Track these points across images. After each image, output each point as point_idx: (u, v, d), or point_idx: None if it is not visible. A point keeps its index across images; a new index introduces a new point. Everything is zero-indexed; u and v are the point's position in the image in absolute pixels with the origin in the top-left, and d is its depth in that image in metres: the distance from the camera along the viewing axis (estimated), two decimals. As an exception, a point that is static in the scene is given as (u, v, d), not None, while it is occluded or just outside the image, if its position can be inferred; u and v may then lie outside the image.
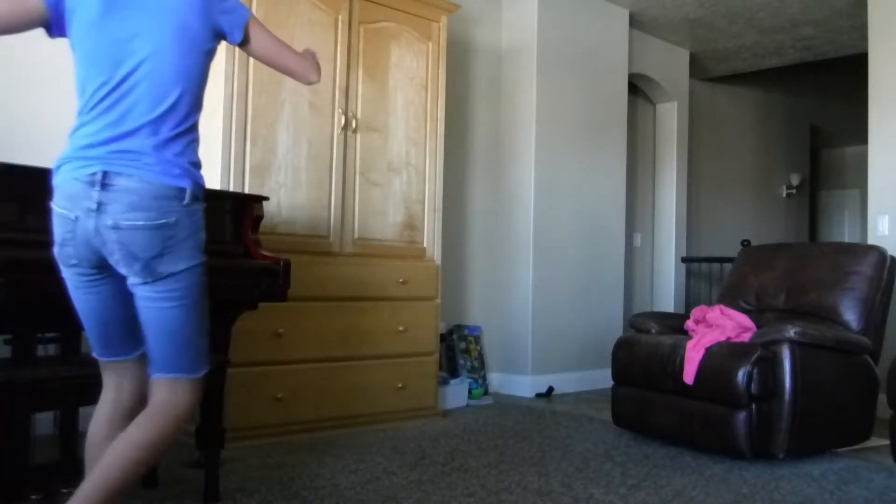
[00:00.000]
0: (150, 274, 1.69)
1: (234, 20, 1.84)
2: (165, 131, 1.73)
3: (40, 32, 3.33)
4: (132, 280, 1.71)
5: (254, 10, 3.35)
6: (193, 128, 1.83)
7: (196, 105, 1.83)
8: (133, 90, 1.71)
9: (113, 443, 1.72)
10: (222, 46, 3.36)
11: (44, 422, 2.49)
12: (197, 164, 1.81)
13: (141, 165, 1.67)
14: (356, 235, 3.73)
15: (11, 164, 2.28)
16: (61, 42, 3.65)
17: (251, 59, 3.32)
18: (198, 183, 1.77)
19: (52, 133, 3.40)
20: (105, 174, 1.64)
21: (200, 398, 1.86)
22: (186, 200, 1.71)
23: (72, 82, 3.54)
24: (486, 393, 4.75)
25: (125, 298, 1.75)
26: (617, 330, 5.30)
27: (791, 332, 3.18)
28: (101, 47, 1.75)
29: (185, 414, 1.80)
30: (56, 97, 3.43)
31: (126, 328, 1.81)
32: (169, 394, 1.77)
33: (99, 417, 1.86)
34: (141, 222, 1.65)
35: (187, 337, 1.77)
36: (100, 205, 1.64)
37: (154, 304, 1.72)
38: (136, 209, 1.64)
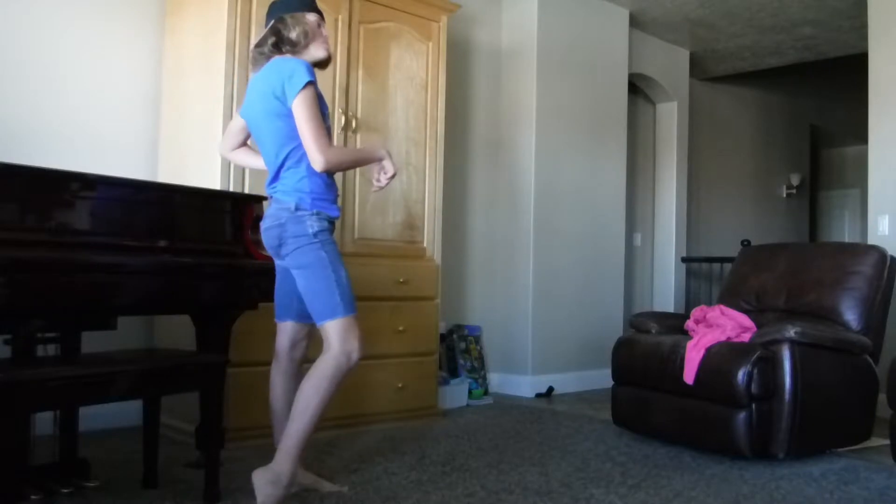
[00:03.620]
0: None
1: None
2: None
3: (39, 32, 3.33)
4: None
5: (253, 11, 3.35)
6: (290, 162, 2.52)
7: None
8: None
9: None
10: (220, 42, 3.38)
11: (44, 422, 2.49)
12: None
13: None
14: (356, 235, 3.73)
15: (11, 164, 2.27)
16: (63, 43, 3.66)
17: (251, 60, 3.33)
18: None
19: (52, 133, 3.41)
20: None
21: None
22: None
23: (73, 83, 3.55)
24: (486, 393, 4.75)
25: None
26: (617, 330, 5.30)
27: (791, 332, 3.18)
28: None
29: (331, 345, 2.43)
30: (56, 98, 3.43)
31: None
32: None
33: None
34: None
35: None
36: None
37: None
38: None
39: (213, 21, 3.36)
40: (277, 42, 2.52)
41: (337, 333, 2.41)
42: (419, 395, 3.96)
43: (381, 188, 2.69)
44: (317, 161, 2.39)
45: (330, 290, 2.42)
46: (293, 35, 2.52)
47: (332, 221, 2.54)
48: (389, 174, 2.62)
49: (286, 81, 2.39)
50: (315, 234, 2.45)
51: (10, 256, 2.10)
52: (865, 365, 3.42)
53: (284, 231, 2.45)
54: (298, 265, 2.46)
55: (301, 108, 2.38)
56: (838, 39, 6.11)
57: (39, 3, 3.38)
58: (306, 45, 2.55)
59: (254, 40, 3.29)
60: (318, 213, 2.47)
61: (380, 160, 2.63)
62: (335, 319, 2.41)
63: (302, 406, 2.39)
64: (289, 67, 2.41)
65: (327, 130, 2.52)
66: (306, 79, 2.38)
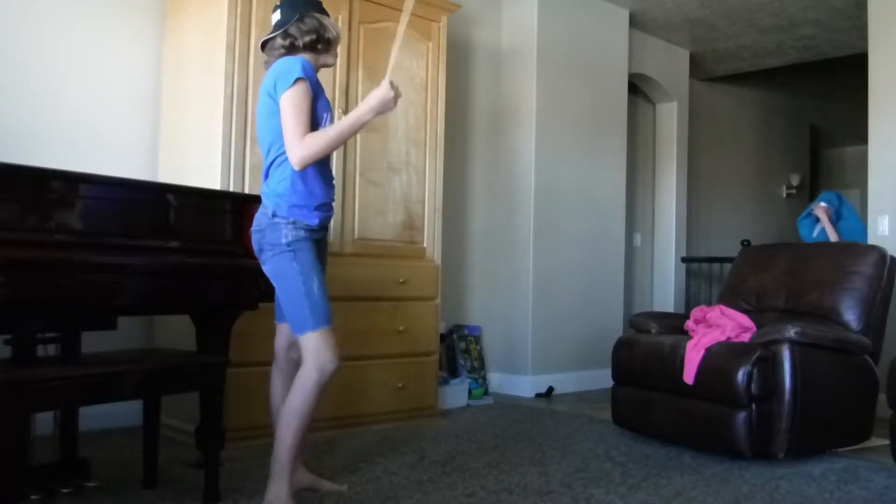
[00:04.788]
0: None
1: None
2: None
3: (39, 32, 3.32)
4: None
5: (253, 11, 3.35)
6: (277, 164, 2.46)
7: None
8: None
9: None
10: (220, 42, 3.38)
11: (44, 422, 2.49)
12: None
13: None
14: (356, 235, 3.73)
15: (11, 164, 2.27)
16: (63, 43, 3.66)
17: (251, 59, 3.33)
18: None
19: (52, 133, 3.41)
20: None
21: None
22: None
23: (73, 83, 3.55)
24: (486, 393, 4.75)
25: None
26: (617, 330, 5.30)
27: (791, 332, 3.18)
28: None
29: (307, 358, 2.38)
30: (56, 98, 3.43)
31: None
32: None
33: None
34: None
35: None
36: None
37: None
38: None
39: (213, 21, 3.36)
40: (317, 41, 2.49)
41: (309, 348, 2.38)
42: (419, 395, 3.96)
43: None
44: (292, 157, 2.34)
45: (300, 303, 2.38)
46: (330, 35, 2.52)
47: (311, 230, 2.45)
48: (393, 98, 2.42)
49: (279, 79, 2.37)
50: (289, 244, 2.40)
51: (10, 256, 2.10)
52: (865, 365, 3.42)
53: (263, 238, 2.44)
54: (273, 274, 2.44)
55: (285, 104, 2.34)
56: (838, 39, 6.11)
57: (39, 3, 3.38)
58: (331, 49, 2.56)
59: (255, 39, 3.31)
60: (294, 223, 2.41)
61: (377, 112, 2.42)
62: (305, 334, 2.38)
63: (284, 426, 2.36)
64: (285, 66, 2.39)
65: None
66: (297, 75, 2.34)
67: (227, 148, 3.28)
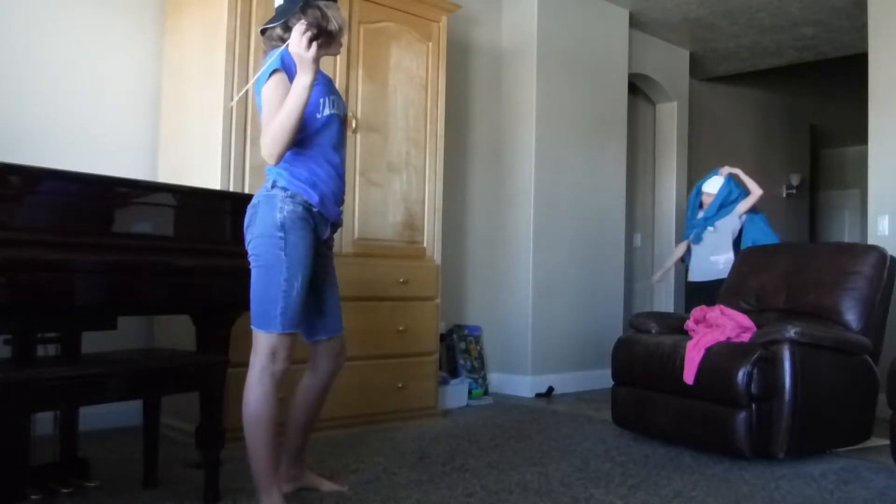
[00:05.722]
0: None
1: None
2: None
3: (39, 32, 3.31)
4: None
5: (253, 11, 3.35)
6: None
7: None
8: None
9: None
10: (220, 42, 3.37)
11: (44, 422, 2.49)
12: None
13: None
14: (356, 235, 3.73)
15: (11, 164, 2.27)
16: (63, 44, 3.65)
17: (251, 58, 3.33)
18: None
19: (52, 133, 3.41)
20: None
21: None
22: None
23: (73, 83, 3.55)
24: (486, 393, 4.75)
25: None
26: (617, 330, 5.30)
27: (791, 332, 3.18)
28: None
29: (256, 357, 2.34)
30: (56, 98, 3.43)
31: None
32: None
33: None
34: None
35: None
36: None
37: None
38: None
39: (213, 21, 3.36)
40: (318, 34, 2.23)
41: (266, 348, 2.33)
42: (419, 395, 3.96)
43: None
44: (262, 153, 2.26)
45: (273, 300, 2.30)
46: (332, 28, 2.38)
47: (310, 210, 2.35)
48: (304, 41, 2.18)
49: (260, 76, 2.31)
50: (282, 224, 2.28)
51: (10, 256, 2.10)
52: (865, 365, 3.42)
53: (255, 214, 2.35)
54: (256, 257, 2.34)
55: (262, 99, 2.28)
56: (838, 39, 6.11)
57: (40, 4, 3.38)
58: (334, 40, 2.44)
59: (255, 39, 3.30)
60: (293, 196, 2.31)
61: (304, 66, 2.20)
62: (268, 332, 2.32)
63: (253, 438, 2.30)
64: (266, 61, 2.32)
65: (335, 119, 2.40)
66: (272, 67, 2.26)
67: (227, 148, 3.28)
